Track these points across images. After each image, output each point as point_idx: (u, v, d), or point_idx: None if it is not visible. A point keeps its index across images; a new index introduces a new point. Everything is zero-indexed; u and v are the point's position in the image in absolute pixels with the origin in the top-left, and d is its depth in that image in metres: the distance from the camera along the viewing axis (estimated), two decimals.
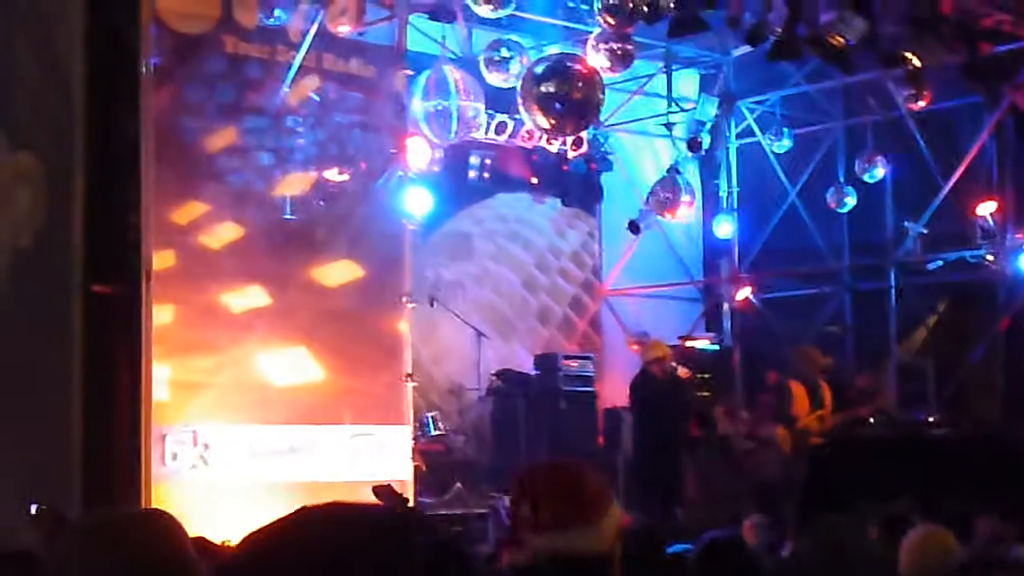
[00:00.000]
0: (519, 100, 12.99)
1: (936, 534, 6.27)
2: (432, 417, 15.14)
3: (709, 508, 13.57)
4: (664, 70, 17.10)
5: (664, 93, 17.33)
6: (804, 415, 14.30)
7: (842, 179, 17.88)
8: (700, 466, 15.48)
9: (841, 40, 13.20)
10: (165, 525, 2.85)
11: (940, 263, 16.73)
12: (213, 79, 12.58)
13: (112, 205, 8.16)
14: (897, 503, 8.82)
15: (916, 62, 14.20)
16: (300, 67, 12.87)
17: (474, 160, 16.39)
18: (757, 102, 18.27)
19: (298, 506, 2.25)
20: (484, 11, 13.13)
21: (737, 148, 18.60)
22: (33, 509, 6.89)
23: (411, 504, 12.19)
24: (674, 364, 14.36)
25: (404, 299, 13.51)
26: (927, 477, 13.02)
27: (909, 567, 6.03)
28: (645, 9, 13.12)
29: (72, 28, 8.07)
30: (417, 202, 13.73)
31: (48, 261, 8.47)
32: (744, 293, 17.69)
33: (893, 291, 17.58)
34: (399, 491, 11.89)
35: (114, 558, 2.73)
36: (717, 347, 17.80)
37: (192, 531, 3.08)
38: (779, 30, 13.38)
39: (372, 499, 11.02)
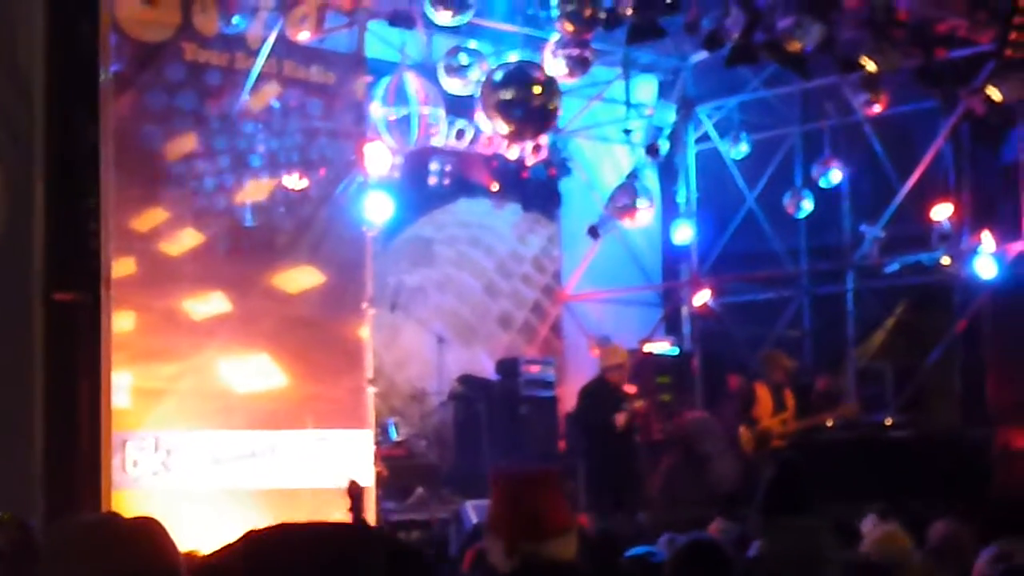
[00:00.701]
0: (478, 106, 13.03)
1: (892, 535, 6.34)
2: (394, 422, 15.16)
3: (672, 512, 13.61)
4: (623, 76, 17.14)
5: (623, 99, 17.37)
6: (767, 417, 14.39)
7: (799, 184, 17.97)
8: (663, 470, 15.54)
9: (798, 45, 13.31)
10: (156, 533, 2.86)
11: (897, 266, 16.80)
12: (173, 86, 12.55)
13: (72, 212, 8.16)
14: (859, 505, 8.90)
15: (871, 67, 14.29)
16: (260, 74, 12.86)
17: (434, 166, 16.42)
18: (715, 107, 18.34)
19: (257, 515, 2.25)
20: (443, 18, 13.15)
21: (696, 153, 18.65)
22: None
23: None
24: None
25: (365, 305, 13.52)
26: (888, 479, 13.15)
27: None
28: (603, 16, 13.17)
29: (33, 36, 8.07)
30: (378, 208, 13.74)
31: (8, 269, 8.45)
32: (703, 298, 17.68)
33: (851, 295, 17.68)
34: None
35: (106, 565, 2.72)
36: (677, 351, 17.85)
37: None
38: (737, 36, 13.48)
39: (332, 507, 11.00)
